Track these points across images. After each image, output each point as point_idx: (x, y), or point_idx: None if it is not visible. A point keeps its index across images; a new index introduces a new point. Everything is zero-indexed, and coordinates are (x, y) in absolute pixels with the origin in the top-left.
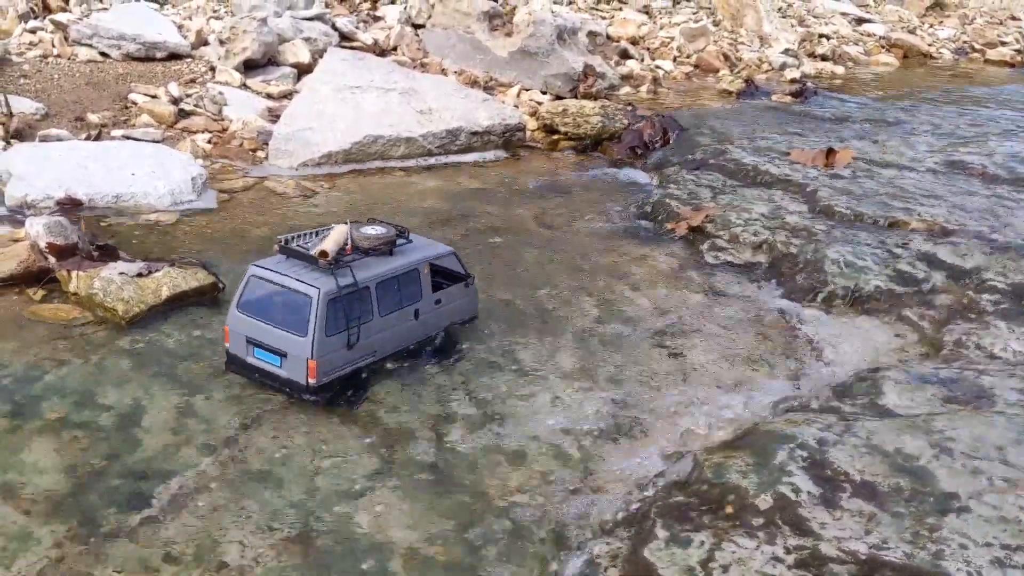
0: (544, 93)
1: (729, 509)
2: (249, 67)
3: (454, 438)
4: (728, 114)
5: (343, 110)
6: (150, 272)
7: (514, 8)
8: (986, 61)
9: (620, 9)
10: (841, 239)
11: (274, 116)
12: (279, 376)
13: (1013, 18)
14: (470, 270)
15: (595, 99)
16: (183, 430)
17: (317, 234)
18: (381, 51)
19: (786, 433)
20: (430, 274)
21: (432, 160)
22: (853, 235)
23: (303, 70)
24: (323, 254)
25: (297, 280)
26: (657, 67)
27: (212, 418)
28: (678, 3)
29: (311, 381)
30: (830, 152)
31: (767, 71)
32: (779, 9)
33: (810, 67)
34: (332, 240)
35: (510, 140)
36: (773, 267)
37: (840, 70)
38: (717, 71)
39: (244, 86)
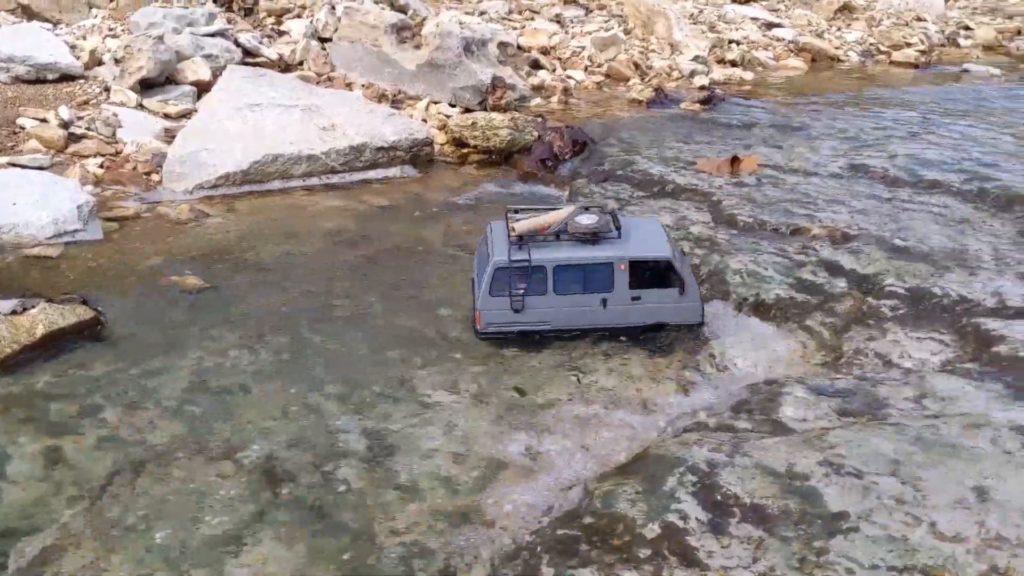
0: (453, 106)
1: (616, 541)
2: (146, 87)
3: (341, 474)
4: (637, 124)
5: (242, 129)
6: (24, 309)
7: (424, 20)
8: (891, 63)
9: (532, 19)
10: (744, 248)
11: (171, 137)
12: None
13: (919, 19)
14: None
15: (505, 111)
16: (50, 479)
17: (547, 211)
18: (286, 66)
19: (677, 456)
20: (628, 271)
21: (336, 178)
22: (755, 244)
23: (204, 88)
24: (513, 229)
25: (493, 245)
26: (568, 77)
27: (83, 465)
28: (590, 12)
29: (477, 327)
30: (735, 160)
31: (677, 79)
32: (691, 16)
33: (719, 74)
34: (531, 221)
35: (418, 155)
36: None
37: (749, 76)
38: (628, 80)
39: (141, 107)
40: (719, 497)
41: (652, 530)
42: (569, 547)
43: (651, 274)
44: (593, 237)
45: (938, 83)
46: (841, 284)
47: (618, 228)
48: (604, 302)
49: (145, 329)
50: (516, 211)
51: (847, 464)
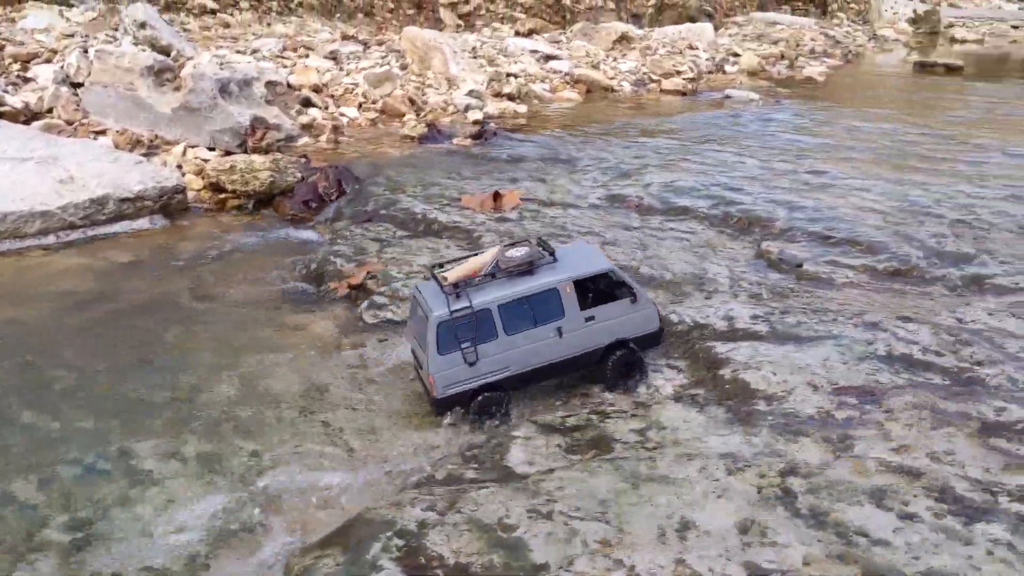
0: (212, 149)
1: None
2: None
3: (34, 574)
4: (407, 161)
5: None
6: None
7: (187, 61)
8: (662, 91)
9: (307, 56)
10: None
11: None
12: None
13: (691, 47)
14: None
15: (267, 152)
16: None
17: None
18: (33, 115)
19: (387, 519)
20: (575, 292)
21: (76, 234)
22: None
23: None
24: (445, 279)
25: (428, 303)
26: (341, 115)
27: None
28: (368, 48)
29: (433, 396)
30: (497, 195)
31: (452, 114)
32: (472, 49)
33: (494, 107)
34: (463, 267)
35: (169, 204)
36: None
37: (524, 109)
38: (403, 116)
39: None
40: (423, 560)
41: None
42: None
43: (599, 291)
44: (530, 267)
45: (701, 110)
46: None
47: (551, 253)
48: (559, 331)
49: None
50: (440, 266)
51: (558, 508)
